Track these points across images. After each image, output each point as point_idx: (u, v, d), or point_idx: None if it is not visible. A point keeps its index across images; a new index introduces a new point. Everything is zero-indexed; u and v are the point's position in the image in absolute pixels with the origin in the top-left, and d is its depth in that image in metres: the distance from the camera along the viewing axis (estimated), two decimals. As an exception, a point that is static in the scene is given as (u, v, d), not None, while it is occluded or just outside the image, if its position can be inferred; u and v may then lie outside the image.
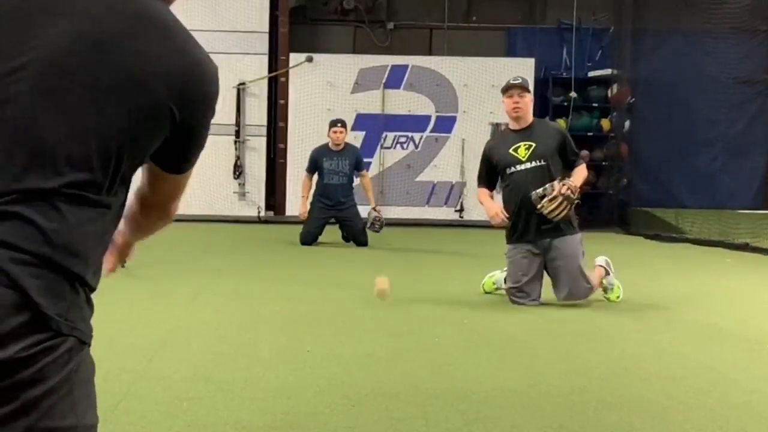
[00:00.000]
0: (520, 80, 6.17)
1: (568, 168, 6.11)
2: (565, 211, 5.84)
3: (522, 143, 6.05)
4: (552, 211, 5.83)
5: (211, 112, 1.52)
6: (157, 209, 1.70)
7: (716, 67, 13.61)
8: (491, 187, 6.31)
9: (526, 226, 6.01)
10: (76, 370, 1.35)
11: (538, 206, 5.86)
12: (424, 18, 15.69)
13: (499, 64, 14.57)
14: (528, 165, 6.00)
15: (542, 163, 5.98)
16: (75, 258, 1.35)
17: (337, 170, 10.16)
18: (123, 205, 1.49)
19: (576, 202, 5.87)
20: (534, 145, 6.02)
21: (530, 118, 6.18)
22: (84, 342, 1.37)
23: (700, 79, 13.87)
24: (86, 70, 1.37)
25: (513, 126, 6.19)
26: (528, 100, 6.12)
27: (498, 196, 6.35)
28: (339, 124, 10.25)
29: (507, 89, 6.10)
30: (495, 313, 5.69)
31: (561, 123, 13.61)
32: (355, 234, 10.18)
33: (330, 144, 10.25)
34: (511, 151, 6.06)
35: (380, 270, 8.19)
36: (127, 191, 1.48)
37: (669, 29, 14.18)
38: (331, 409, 3.29)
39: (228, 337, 4.63)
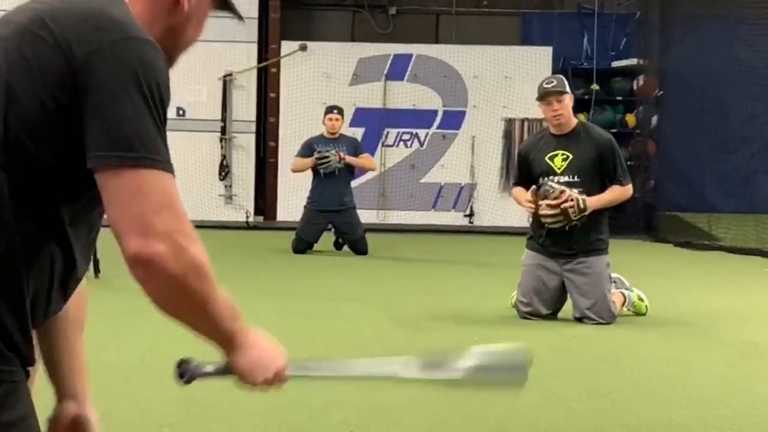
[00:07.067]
0: (554, 82, 6.07)
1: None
2: (557, 225, 5.85)
3: (560, 152, 6.01)
4: (543, 216, 5.87)
5: None
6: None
7: (753, 57, 13.57)
8: (529, 187, 6.30)
9: (554, 239, 6.00)
10: None
11: (533, 197, 5.92)
12: (430, 2, 15.72)
13: (513, 54, 14.60)
14: (561, 179, 5.96)
15: (576, 179, 5.93)
16: None
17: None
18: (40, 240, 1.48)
19: (575, 224, 5.84)
20: (571, 156, 5.98)
21: (573, 122, 6.12)
22: None
23: (735, 70, 13.85)
24: None
25: (554, 130, 6.12)
26: (567, 103, 6.04)
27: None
28: (335, 111, 10.30)
29: (543, 96, 6.02)
30: (508, 329, 5.68)
31: (581, 117, 13.61)
32: (355, 242, 10.17)
33: (325, 133, 10.27)
34: (547, 159, 6.02)
35: (381, 281, 8.21)
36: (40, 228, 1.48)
37: (701, 15, 14.18)
38: (328, 434, 3.28)
39: (213, 355, 4.62)
